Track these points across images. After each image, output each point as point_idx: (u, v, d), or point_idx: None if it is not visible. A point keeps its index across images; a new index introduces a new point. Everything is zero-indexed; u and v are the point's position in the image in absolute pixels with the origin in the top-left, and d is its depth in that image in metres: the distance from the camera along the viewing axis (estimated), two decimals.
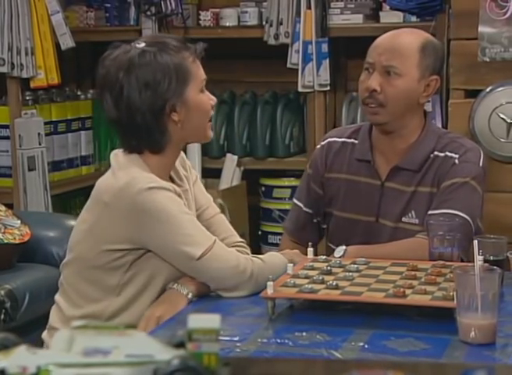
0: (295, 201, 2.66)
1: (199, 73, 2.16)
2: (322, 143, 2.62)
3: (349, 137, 2.57)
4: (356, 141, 2.56)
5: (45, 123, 4.02)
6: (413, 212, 2.45)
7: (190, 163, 2.33)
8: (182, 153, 2.26)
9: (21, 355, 1.16)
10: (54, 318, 2.18)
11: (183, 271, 2.11)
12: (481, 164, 2.48)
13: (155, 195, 2.05)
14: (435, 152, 2.47)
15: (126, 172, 2.09)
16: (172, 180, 2.22)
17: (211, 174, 4.33)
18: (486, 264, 1.93)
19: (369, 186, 2.50)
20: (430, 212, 2.40)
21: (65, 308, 2.15)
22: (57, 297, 2.20)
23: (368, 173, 2.51)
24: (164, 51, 2.10)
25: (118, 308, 2.10)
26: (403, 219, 2.46)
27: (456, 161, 2.45)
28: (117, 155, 2.16)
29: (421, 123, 2.51)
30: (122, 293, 2.10)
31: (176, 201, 2.09)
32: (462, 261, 2.25)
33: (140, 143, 2.13)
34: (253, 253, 2.28)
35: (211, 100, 2.19)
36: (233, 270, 2.08)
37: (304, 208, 2.61)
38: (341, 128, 2.73)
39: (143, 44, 2.13)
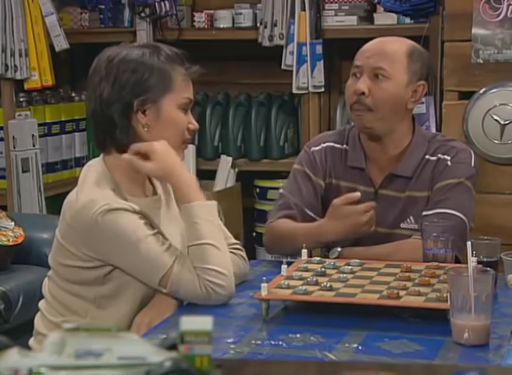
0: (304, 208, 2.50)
1: (184, 90, 2.10)
2: (318, 147, 2.54)
3: (345, 144, 2.53)
4: (347, 147, 2.53)
5: (39, 125, 4.02)
6: (411, 218, 2.44)
7: None
8: None
9: (13, 358, 1.15)
10: (39, 324, 2.16)
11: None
12: (473, 164, 2.48)
13: (112, 218, 2.00)
14: (427, 156, 2.46)
15: (88, 191, 2.06)
16: (151, 183, 2.19)
17: (205, 176, 4.32)
18: (480, 265, 1.93)
19: (363, 194, 2.47)
20: (425, 212, 2.39)
21: (49, 314, 2.14)
22: (41, 304, 2.18)
23: (362, 180, 2.49)
24: (155, 54, 2.08)
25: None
26: (402, 225, 2.44)
27: (449, 162, 2.45)
28: (89, 166, 2.13)
29: (410, 128, 2.50)
30: (102, 305, 2.07)
31: (132, 223, 2.02)
32: (458, 260, 2.25)
33: (106, 137, 2.10)
34: (247, 254, 2.28)
35: (191, 124, 2.13)
36: (196, 292, 2.03)
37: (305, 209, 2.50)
38: (334, 133, 2.62)
39: (139, 44, 2.13)
